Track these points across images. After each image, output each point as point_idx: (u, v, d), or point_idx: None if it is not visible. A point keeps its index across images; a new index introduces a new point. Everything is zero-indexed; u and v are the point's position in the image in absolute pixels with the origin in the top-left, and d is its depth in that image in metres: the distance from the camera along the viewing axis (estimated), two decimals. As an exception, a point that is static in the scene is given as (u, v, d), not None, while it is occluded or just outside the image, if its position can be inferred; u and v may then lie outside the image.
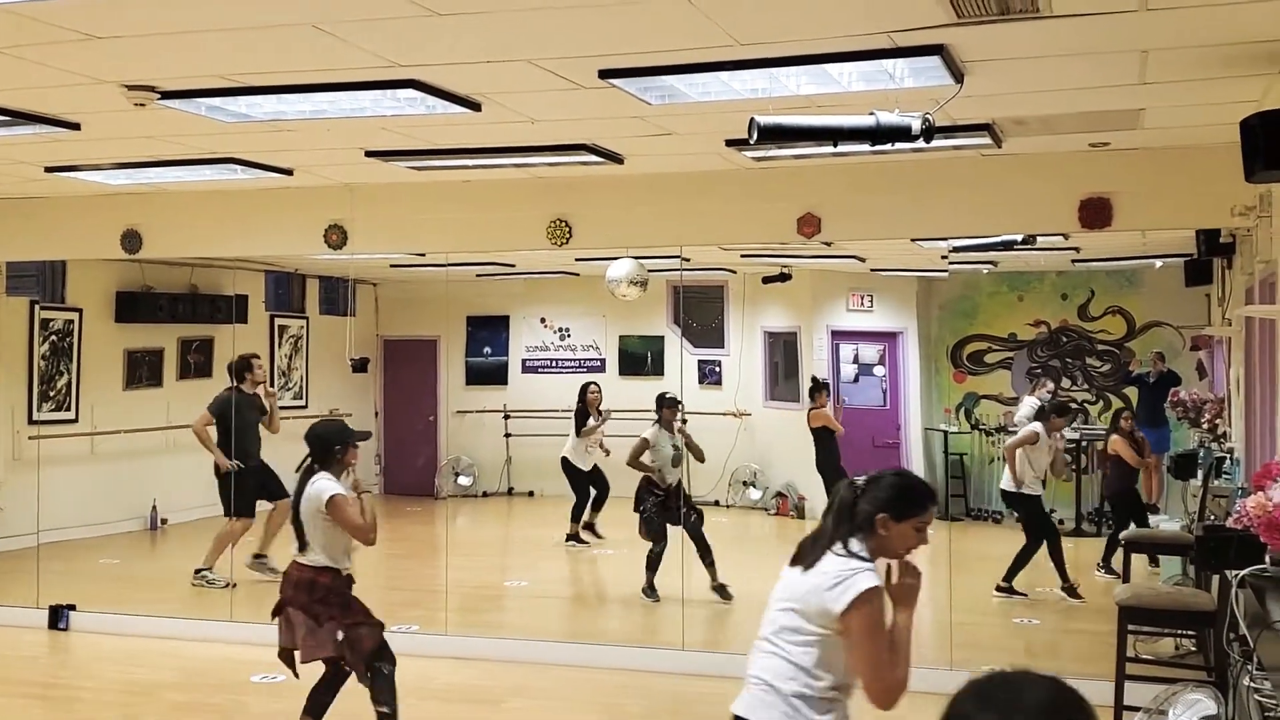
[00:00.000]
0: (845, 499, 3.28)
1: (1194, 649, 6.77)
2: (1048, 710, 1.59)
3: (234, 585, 8.51)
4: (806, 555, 3.28)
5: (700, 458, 9.27)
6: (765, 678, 3.24)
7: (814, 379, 11.08)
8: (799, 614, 3.22)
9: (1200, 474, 7.60)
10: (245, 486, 8.89)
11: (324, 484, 5.24)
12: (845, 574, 3.13)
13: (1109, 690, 5.84)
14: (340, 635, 5.22)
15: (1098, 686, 6.02)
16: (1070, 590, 8.55)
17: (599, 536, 10.46)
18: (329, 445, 5.35)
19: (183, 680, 6.94)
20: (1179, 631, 6.68)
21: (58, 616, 8.13)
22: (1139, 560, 8.00)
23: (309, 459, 5.36)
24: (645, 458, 8.88)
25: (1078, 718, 1.59)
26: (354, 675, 5.30)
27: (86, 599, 8.32)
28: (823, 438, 10.44)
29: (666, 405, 9.12)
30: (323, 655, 5.26)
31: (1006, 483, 8.87)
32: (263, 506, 9.07)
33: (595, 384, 10.85)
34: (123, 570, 9.65)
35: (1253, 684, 3.66)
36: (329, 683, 5.38)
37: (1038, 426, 8.81)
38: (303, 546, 5.29)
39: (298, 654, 5.30)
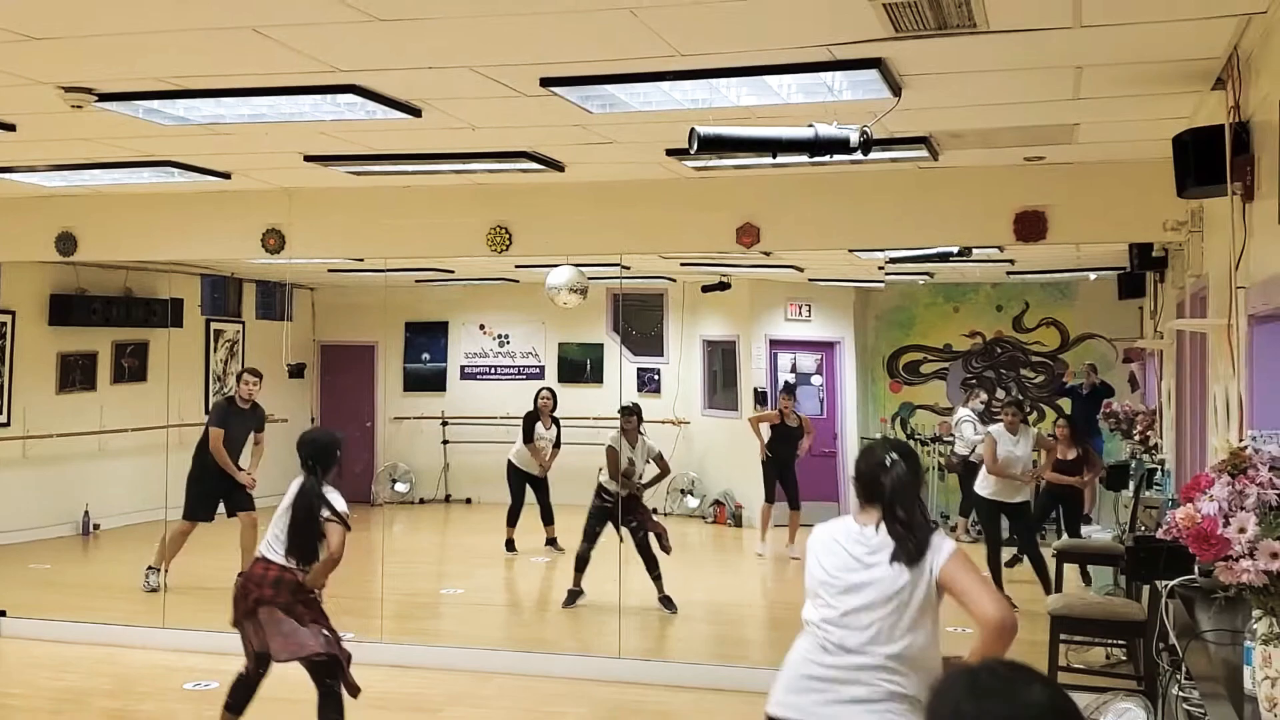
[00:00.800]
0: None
1: (1124, 658, 6.88)
2: (1051, 710, 1.58)
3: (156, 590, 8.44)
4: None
5: (665, 470, 9.25)
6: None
7: (756, 391, 11.22)
8: None
9: (1132, 485, 7.74)
10: (213, 492, 8.76)
11: (338, 498, 5.25)
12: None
13: (1040, 697, 5.93)
14: (325, 634, 5.22)
15: (1029, 693, 6.14)
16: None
17: (560, 550, 10.32)
18: (331, 451, 5.35)
19: (115, 687, 6.83)
20: (1109, 641, 6.79)
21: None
22: (1071, 571, 8.11)
23: (313, 465, 5.31)
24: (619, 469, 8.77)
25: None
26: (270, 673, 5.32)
27: (17, 605, 8.16)
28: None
29: (626, 415, 9.09)
30: (306, 655, 5.20)
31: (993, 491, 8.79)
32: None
33: (549, 390, 10.76)
34: (54, 575, 9.47)
35: (1181, 693, 3.72)
36: (252, 681, 5.36)
37: (996, 429, 8.81)
38: (284, 549, 5.23)
39: (273, 654, 5.24)
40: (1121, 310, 9.40)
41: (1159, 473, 7.56)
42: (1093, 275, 9.50)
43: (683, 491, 12.16)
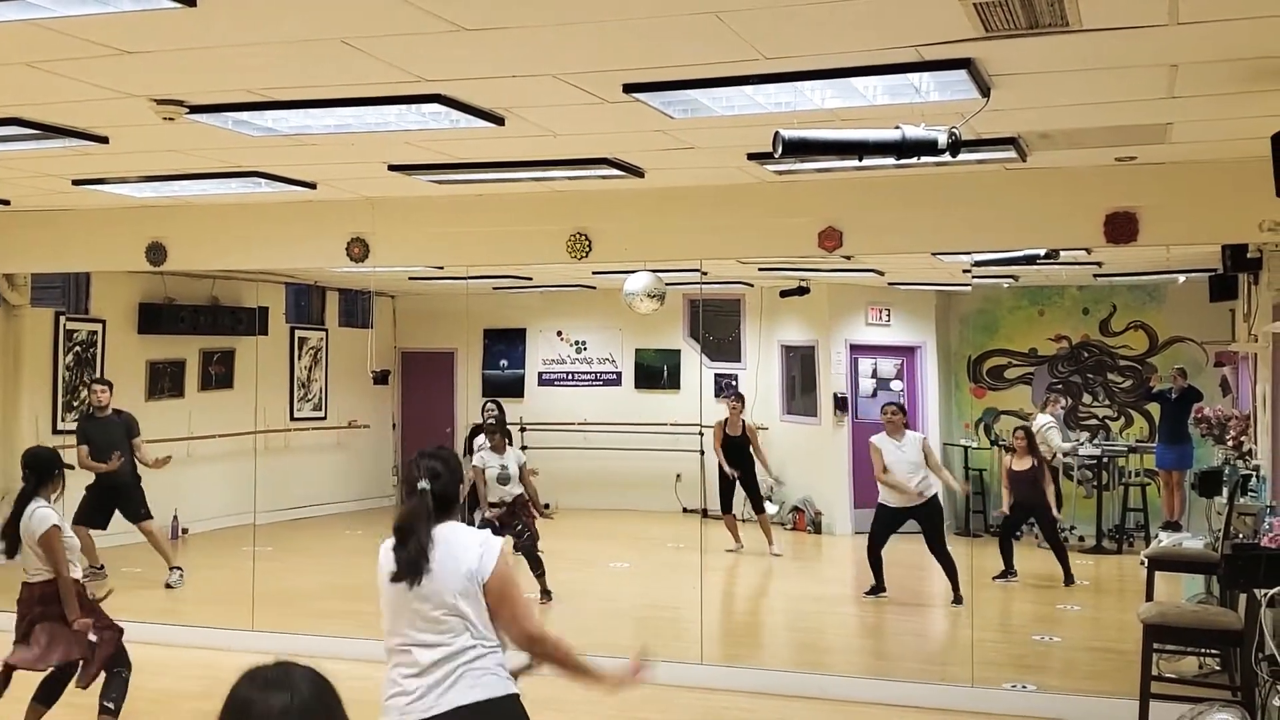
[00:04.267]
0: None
1: (1218, 668, 6.71)
2: (316, 683, 1.96)
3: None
4: None
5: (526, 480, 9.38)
6: None
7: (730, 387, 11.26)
8: None
9: (1225, 491, 7.55)
10: (98, 502, 9.14)
11: (46, 512, 5.49)
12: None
13: (1133, 709, 5.81)
14: (94, 637, 5.54)
15: (1122, 705, 6.01)
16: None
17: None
18: (50, 468, 5.60)
19: (206, 689, 6.92)
20: (1203, 650, 6.63)
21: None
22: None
23: (31, 480, 5.54)
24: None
25: (335, 695, 1.98)
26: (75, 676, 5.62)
27: (111, 609, 8.32)
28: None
29: (487, 431, 9.38)
30: (74, 657, 5.55)
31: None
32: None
33: (493, 404, 10.73)
34: (146, 579, 9.67)
35: (1283, 703, 3.63)
36: (60, 680, 5.67)
37: (878, 437, 9.03)
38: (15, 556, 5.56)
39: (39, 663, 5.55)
40: (1212, 313, 9.17)
41: (1254, 479, 7.35)
42: (1182, 277, 9.28)
43: (762, 498, 12.08)
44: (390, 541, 3.57)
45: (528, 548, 8.98)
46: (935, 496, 8.93)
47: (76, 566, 5.67)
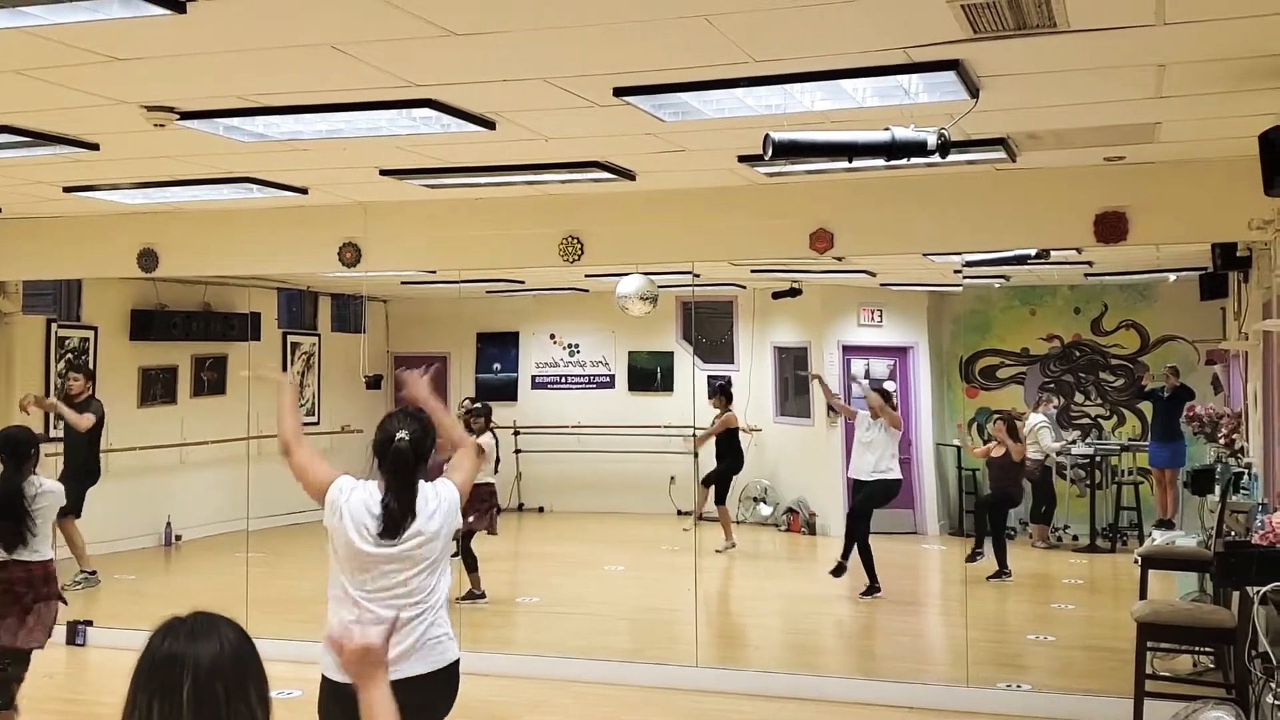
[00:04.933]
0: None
1: (1212, 666, 6.73)
2: (240, 632, 1.94)
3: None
4: None
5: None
6: None
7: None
8: None
9: (1218, 489, 7.57)
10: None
11: (51, 482, 5.62)
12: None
13: (1128, 707, 5.82)
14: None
15: (1116, 704, 6.02)
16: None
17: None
18: (26, 447, 5.62)
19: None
20: (1196, 648, 6.65)
21: (75, 632, 8.14)
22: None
23: (10, 464, 5.54)
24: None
25: (254, 646, 1.95)
26: None
27: (104, 615, 8.33)
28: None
29: (469, 414, 9.40)
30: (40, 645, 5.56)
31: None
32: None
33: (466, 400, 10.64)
34: (139, 586, 9.66)
35: (1276, 701, 3.64)
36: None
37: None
38: (21, 545, 5.46)
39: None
40: (1203, 311, 9.20)
41: (1245, 477, 7.38)
42: (1173, 276, 9.31)
43: (755, 499, 12.10)
44: (358, 484, 3.66)
45: (469, 535, 8.89)
46: (895, 482, 9.30)
47: (51, 549, 5.67)
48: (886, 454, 9.25)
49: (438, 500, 3.76)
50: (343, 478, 3.79)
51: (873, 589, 9.01)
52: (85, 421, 9.10)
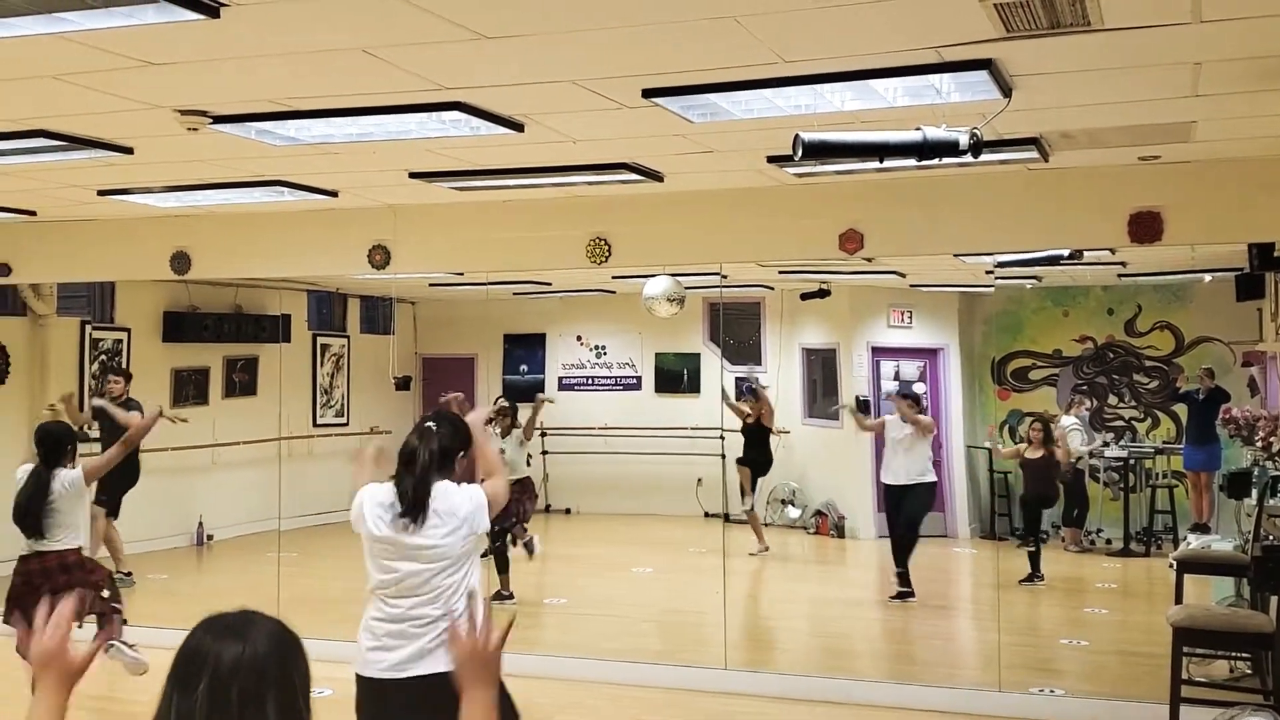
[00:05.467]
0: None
1: (1249, 671, 6.65)
2: (276, 637, 1.85)
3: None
4: None
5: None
6: None
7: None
8: None
9: (1255, 493, 7.48)
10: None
11: (72, 472, 5.75)
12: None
13: (1163, 713, 5.77)
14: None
15: (1151, 710, 5.96)
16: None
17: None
18: (64, 442, 5.84)
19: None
20: (1233, 654, 6.57)
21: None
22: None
23: (46, 458, 5.75)
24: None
25: (296, 653, 1.87)
26: None
27: (137, 614, 8.37)
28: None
29: (497, 412, 9.40)
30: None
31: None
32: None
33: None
34: (170, 586, 9.73)
35: (1315, 707, 3.59)
36: None
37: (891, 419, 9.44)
38: (40, 535, 5.67)
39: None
40: (1239, 312, 9.08)
41: (1283, 480, 7.28)
42: (1208, 277, 9.20)
43: (783, 502, 12.06)
44: (375, 486, 3.68)
45: (508, 534, 8.91)
46: (934, 485, 9.26)
47: (79, 538, 5.81)
48: (922, 456, 9.18)
49: (463, 497, 3.79)
50: (369, 484, 3.83)
51: (904, 594, 8.96)
52: (134, 419, 9.19)
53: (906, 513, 9.18)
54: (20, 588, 5.69)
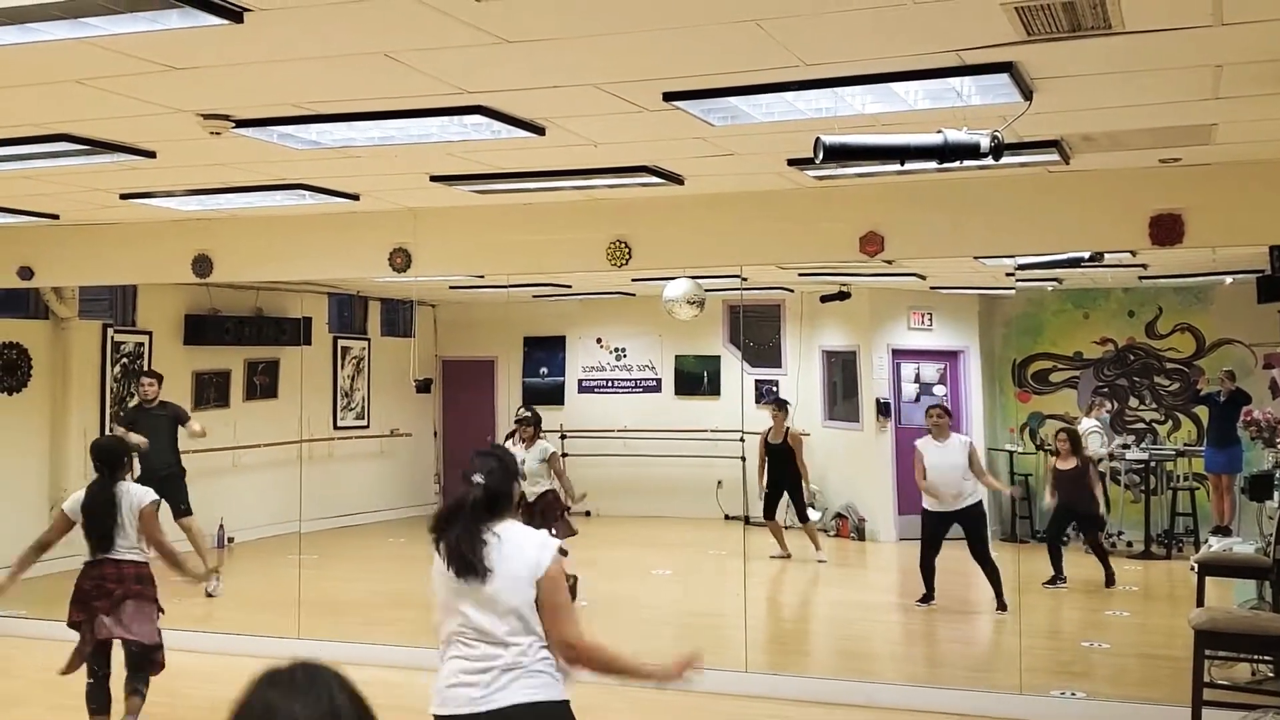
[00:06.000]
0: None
1: (1271, 674, 6.62)
2: (349, 690, 1.71)
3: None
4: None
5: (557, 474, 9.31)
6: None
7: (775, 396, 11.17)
8: None
9: (1276, 495, 7.45)
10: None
11: (143, 489, 6.01)
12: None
13: (1185, 716, 5.75)
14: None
15: (1173, 713, 5.94)
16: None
17: None
18: (120, 455, 6.05)
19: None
20: (1255, 657, 6.54)
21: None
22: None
23: (106, 470, 5.94)
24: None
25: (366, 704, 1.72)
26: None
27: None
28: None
29: (518, 422, 9.34)
30: (150, 641, 6.06)
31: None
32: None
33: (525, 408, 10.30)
34: (192, 587, 9.76)
35: (1339, 711, 3.58)
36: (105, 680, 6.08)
37: (922, 441, 9.10)
38: (113, 543, 5.86)
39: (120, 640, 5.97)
40: (1261, 314, 9.01)
41: (1305, 483, 7.26)
42: (1229, 279, 9.15)
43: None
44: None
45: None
46: (979, 502, 8.89)
47: (144, 553, 6.08)
48: (969, 471, 8.94)
49: (532, 543, 3.62)
50: None
51: (927, 597, 8.92)
52: (197, 427, 9.37)
53: (976, 542, 8.96)
54: (91, 591, 5.90)
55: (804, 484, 10.80)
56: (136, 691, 6.07)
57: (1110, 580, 9.03)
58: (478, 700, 3.51)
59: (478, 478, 3.61)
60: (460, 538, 3.56)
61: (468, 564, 3.53)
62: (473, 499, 3.60)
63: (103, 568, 5.91)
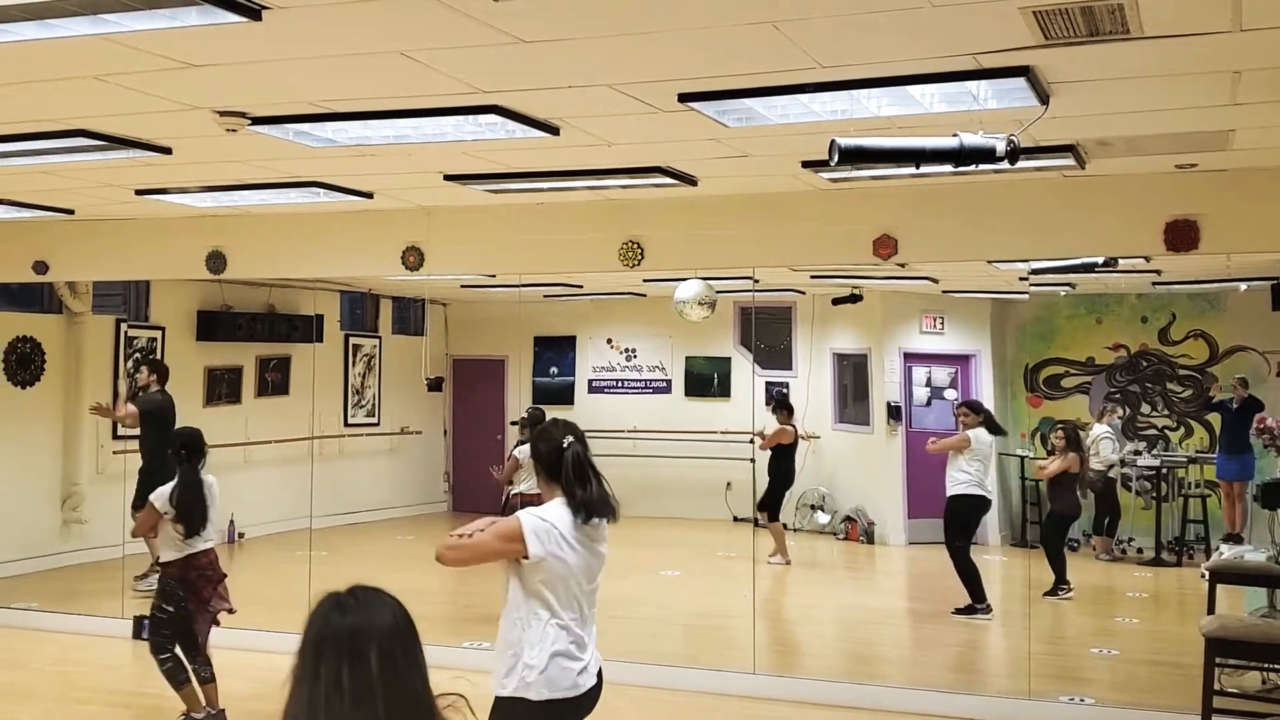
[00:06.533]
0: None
1: (1282, 683, 6.60)
2: (394, 602, 2.09)
3: None
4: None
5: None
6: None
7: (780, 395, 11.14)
8: None
9: (1289, 503, 7.42)
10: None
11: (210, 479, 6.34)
12: None
13: (1195, 724, 5.73)
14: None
15: (1183, 720, 5.92)
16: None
17: None
18: (201, 442, 6.39)
19: (259, 690, 7.02)
20: (1266, 665, 6.52)
21: (141, 627, 8.27)
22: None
23: (188, 456, 6.26)
24: (518, 477, 8.64)
25: (412, 633, 2.07)
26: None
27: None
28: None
29: (526, 425, 9.17)
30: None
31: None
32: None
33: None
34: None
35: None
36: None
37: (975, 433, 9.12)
38: (198, 531, 6.20)
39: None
40: (1274, 321, 9.01)
41: (1318, 491, 7.22)
42: (1243, 286, 9.13)
43: (813, 507, 12.02)
44: (540, 510, 3.77)
45: None
46: (955, 496, 8.98)
47: None
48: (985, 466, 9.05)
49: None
50: (521, 515, 3.80)
51: (974, 608, 8.87)
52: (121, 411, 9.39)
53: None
54: (197, 580, 6.24)
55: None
56: (213, 677, 6.45)
57: (1057, 588, 9.00)
58: (590, 672, 3.73)
59: (569, 439, 3.81)
60: (596, 487, 3.80)
61: (608, 505, 3.77)
62: (584, 456, 3.81)
63: (199, 559, 6.24)
